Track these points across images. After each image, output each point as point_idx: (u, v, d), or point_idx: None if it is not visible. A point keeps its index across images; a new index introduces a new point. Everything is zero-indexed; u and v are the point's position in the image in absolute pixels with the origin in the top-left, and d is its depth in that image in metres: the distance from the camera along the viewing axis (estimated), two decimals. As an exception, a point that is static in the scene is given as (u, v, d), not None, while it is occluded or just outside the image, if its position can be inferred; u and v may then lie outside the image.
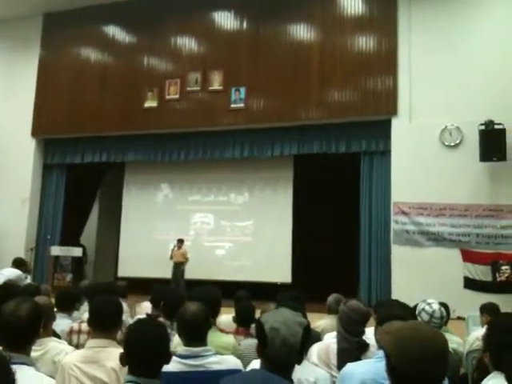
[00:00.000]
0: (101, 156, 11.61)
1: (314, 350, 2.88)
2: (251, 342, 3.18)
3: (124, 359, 1.94)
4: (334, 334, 2.95)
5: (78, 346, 3.04)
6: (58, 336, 3.11)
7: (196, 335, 2.46)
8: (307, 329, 1.81)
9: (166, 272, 10.57)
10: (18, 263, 6.99)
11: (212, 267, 11.00)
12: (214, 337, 2.75)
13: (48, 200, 12.03)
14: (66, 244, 11.56)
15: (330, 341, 2.93)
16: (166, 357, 1.98)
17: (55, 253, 11.22)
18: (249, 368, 2.32)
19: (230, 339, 3.14)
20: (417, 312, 2.95)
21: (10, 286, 4.07)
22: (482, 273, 8.38)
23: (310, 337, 1.95)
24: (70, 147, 11.87)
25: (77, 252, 11.42)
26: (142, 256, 11.59)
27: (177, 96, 10.76)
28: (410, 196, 8.86)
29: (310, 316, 3.21)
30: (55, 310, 3.42)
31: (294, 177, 11.08)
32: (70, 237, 12.03)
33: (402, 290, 8.06)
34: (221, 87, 10.40)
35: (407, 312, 2.37)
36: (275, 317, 1.82)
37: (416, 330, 1.43)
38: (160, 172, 12.02)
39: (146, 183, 12.19)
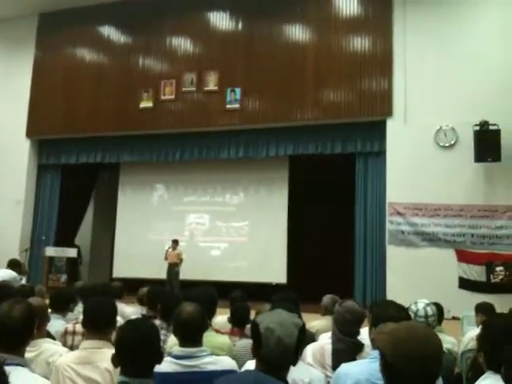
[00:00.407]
0: (96, 156, 11.59)
1: (309, 350, 2.88)
2: (246, 343, 3.18)
3: (116, 360, 1.94)
4: (329, 334, 2.95)
5: (72, 348, 3.03)
6: (52, 337, 3.09)
7: (191, 336, 2.46)
8: (303, 330, 1.81)
9: (161, 273, 10.55)
10: (12, 264, 6.94)
11: (207, 268, 10.99)
12: (209, 337, 2.74)
13: (43, 200, 12.00)
14: (60, 245, 11.53)
15: (325, 341, 2.93)
16: (158, 357, 1.99)
17: (50, 254, 11.20)
18: (243, 369, 2.32)
19: (225, 340, 3.14)
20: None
21: (3, 288, 4.05)
22: (476, 273, 8.42)
23: (306, 338, 1.95)
24: (65, 148, 11.85)
25: (71, 253, 11.39)
26: (137, 257, 11.57)
27: (172, 96, 10.76)
28: (405, 196, 8.89)
29: (305, 316, 3.21)
30: (49, 311, 3.41)
31: (289, 177, 11.09)
32: (65, 237, 12.00)
33: (396, 291, 8.07)
34: (216, 88, 10.40)
35: (402, 313, 2.37)
36: (271, 317, 1.82)
37: (411, 329, 1.44)
38: (155, 172, 12.00)
39: (142, 184, 12.17)
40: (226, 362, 2.49)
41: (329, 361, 2.80)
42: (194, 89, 10.62)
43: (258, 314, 3.44)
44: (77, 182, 12.17)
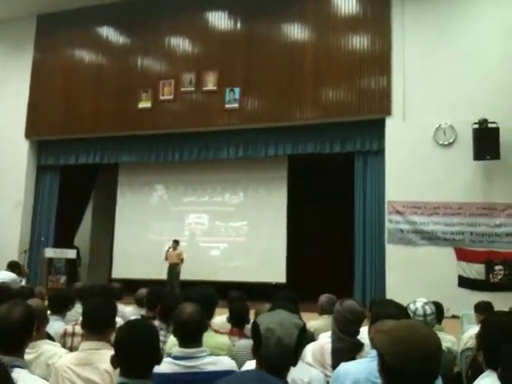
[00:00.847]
0: (95, 157, 11.59)
1: (309, 349, 2.87)
2: (245, 343, 3.18)
3: (115, 361, 1.94)
4: (329, 333, 2.94)
5: (71, 349, 3.03)
6: (51, 338, 3.09)
7: (191, 336, 2.46)
8: (303, 330, 1.81)
9: (160, 273, 10.54)
10: (12, 266, 6.94)
11: (207, 268, 10.99)
12: (208, 337, 2.74)
13: (42, 202, 11.99)
14: (59, 246, 11.52)
15: (325, 340, 2.93)
16: (157, 357, 1.98)
17: (49, 255, 11.18)
18: (243, 369, 2.31)
19: (224, 340, 3.14)
20: (406, 311, 2.97)
21: (2, 289, 4.05)
22: (476, 271, 8.42)
23: (306, 338, 1.95)
24: (63, 148, 11.84)
25: (71, 254, 11.38)
26: (137, 257, 11.56)
27: (171, 97, 10.76)
28: (404, 195, 8.89)
29: (304, 316, 3.21)
30: (48, 312, 3.40)
31: (288, 177, 11.09)
32: (64, 239, 11.99)
33: (396, 289, 8.08)
34: (215, 88, 10.40)
35: (401, 311, 2.37)
36: (271, 318, 1.81)
37: (410, 328, 1.43)
38: (154, 173, 12.00)
39: (141, 184, 12.17)
40: (225, 363, 2.49)
41: (328, 360, 2.80)
42: (192, 89, 10.62)
43: (258, 313, 3.45)
44: (76, 182, 12.15)
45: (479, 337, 2.12)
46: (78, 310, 4.07)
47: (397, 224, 8.94)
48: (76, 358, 2.45)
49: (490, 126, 8.33)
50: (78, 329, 3.15)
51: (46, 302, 3.93)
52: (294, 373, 2.05)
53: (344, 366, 2.21)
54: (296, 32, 10.11)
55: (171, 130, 10.85)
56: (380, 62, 9.40)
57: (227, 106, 10.26)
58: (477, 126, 8.40)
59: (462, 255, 8.53)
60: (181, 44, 11.02)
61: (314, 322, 4.12)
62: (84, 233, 13.01)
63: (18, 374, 1.94)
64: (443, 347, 3.10)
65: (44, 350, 2.70)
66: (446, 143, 8.85)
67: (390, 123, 9.25)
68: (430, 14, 9.18)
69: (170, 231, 11.55)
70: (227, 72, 10.36)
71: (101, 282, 9.47)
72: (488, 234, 8.45)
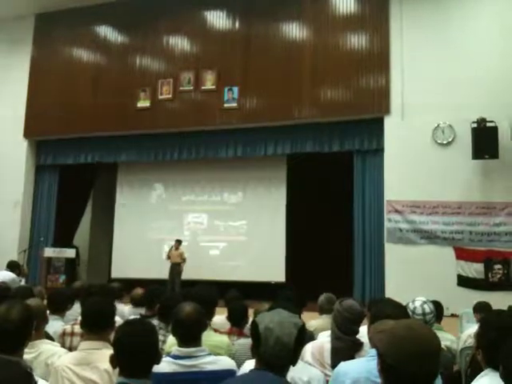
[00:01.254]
0: (94, 157, 11.58)
1: (308, 349, 2.87)
2: (245, 342, 3.18)
3: (114, 361, 1.94)
4: (328, 332, 2.94)
5: (70, 349, 3.02)
6: (50, 338, 3.08)
7: (190, 336, 2.45)
8: (302, 330, 1.81)
9: (160, 272, 10.55)
10: (12, 266, 6.94)
11: (206, 267, 11.00)
12: (207, 336, 2.75)
13: (41, 201, 11.98)
14: (58, 245, 11.50)
15: (324, 340, 2.93)
16: (156, 357, 1.98)
17: (48, 254, 11.16)
18: (242, 368, 2.31)
19: (223, 339, 3.14)
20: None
21: (1, 289, 4.04)
22: (475, 270, 8.43)
23: (306, 338, 1.94)
24: (62, 148, 11.83)
25: (70, 253, 11.37)
26: (136, 257, 11.57)
27: (170, 96, 10.75)
28: (403, 194, 8.90)
29: (304, 315, 3.21)
30: (47, 311, 3.40)
31: (287, 176, 11.10)
32: (63, 238, 11.98)
33: (395, 288, 8.10)
34: (214, 87, 10.40)
35: (400, 311, 2.37)
36: (271, 317, 1.82)
37: (409, 328, 1.43)
38: (153, 172, 12.00)
39: (140, 183, 12.17)
40: (225, 362, 2.48)
41: (328, 359, 2.79)
42: (191, 88, 10.61)
43: (257, 313, 3.45)
44: (75, 182, 12.14)
45: (478, 335, 2.12)
46: (77, 309, 4.07)
47: (396, 223, 8.95)
48: (75, 358, 2.45)
49: (489, 125, 8.34)
50: (78, 328, 3.15)
51: (45, 302, 3.92)
52: (293, 372, 2.05)
53: (343, 366, 2.21)
54: (294, 31, 10.11)
55: (170, 129, 10.84)
56: (378, 60, 9.40)
57: (226, 105, 10.26)
58: (475, 125, 8.41)
59: (462, 254, 8.54)
60: (179, 43, 11.01)
61: (314, 321, 4.13)
62: (83, 232, 13.00)
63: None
64: (442, 346, 3.11)
65: (43, 350, 2.70)
66: (444, 142, 8.85)
67: (388, 122, 9.26)
68: (429, 12, 9.18)
69: (169, 230, 11.56)
70: (226, 71, 10.36)
71: (100, 282, 9.48)
72: (487, 233, 8.46)
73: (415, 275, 8.29)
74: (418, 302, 3.00)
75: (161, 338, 2.97)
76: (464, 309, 5.72)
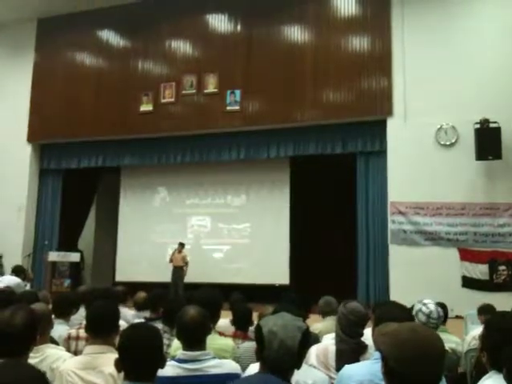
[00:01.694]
0: (97, 160, 11.62)
1: (313, 351, 2.87)
2: (249, 345, 3.18)
3: (119, 365, 1.94)
4: (333, 335, 2.94)
5: (76, 353, 3.02)
6: (55, 342, 3.09)
7: (194, 339, 2.44)
8: (306, 333, 1.81)
9: (164, 276, 10.55)
10: (17, 271, 6.96)
11: (210, 270, 11.01)
12: (212, 340, 2.74)
13: (45, 205, 12.02)
14: (63, 249, 11.53)
15: (329, 342, 2.92)
16: (161, 361, 1.98)
17: (53, 258, 11.18)
18: (247, 372, 2.31)
19: (228, 342, 3.14)
20: (413, 313, 2.95)
21: (5, 294, 4.04)
22: (479, 272, 8.40)
23: (310, 341, 1.94)
24: (66, 152, 11.87)
25: (74, 257, 11.39)
26: (140, 260, 11.59)
27: (172, 99, 10.78)
28: (407, 196, 8.88)
29: (309, 318, 3.21)
30: (52, 316, 3.40)
31: (290, 178, 11.09)
32: (68, 242, 12.01)
33: (399, 290, 8.09)
34: (216, 90, 10.42)
35: (404, 313, 2.37)
36: (275, 320, 1.82)
37: (413, 331, 1.43)
38: (157, 175, 12.02)
39: (143, 187, 12.19)
40: (229, 366, 2.47)
41: (332, 362, 2.79)
42: (193, 91, 10.64)
43: (261, 316, 3.45)
44: (78, 186, 12.19)
45: (482, 337, 2.12)
46: (82, 313, 4.07)
47: (400, 225, 8.93)
48: (80, 362, 2.45)
49: (492, 125, 8.33)
50: (83, 332, 3.15)
51: (50, 306, 3.93)
52: (297, 375, 2.05)
53: (347, 369, 2.21)
54: (296, 34, 10.12)
55: (173, 132, 10.86)
56: (380, 62, 9.40)
57: (228, 108, 10.28)
58: (478, 126, 8.39)
59: (466, 255, 8.51)
60: (181, 47, 11.04)
61: (319, 323, 4.13)
62: (87, 236, 13.04)
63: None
64: (447, 348, 3.10)
65: (48, 354, 2.70)
66: (447, 143, 8.84)
67: (391, 124, 9.25)
68: (430, 14, 9.18)
69: (173, 233, 11.56)
70: (228, 74, 10.38)
71: (104, 285, 9.50)
72: (491, 234, 8.44)
73: (419, 277, 8.26)
74: (432, 306, 2.96)
75: (165, 341, 2.98)
76: (469, 310, 5.70)
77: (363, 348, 2.75)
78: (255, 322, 3.57)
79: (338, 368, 2.47)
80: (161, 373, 2.03)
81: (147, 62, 11.20)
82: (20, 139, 11.87)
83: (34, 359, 2.52)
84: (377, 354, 2.03)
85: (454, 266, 8.49)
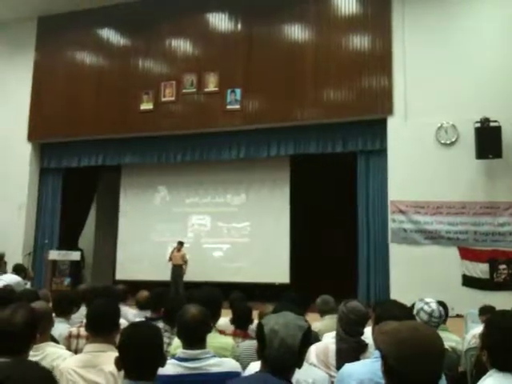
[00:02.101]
0: (97, 159, 11.62)
1: (313, 350, 2.87)
2: (249, 344, 3.18)
3: (119, 363, 1.95)
4: (333, 334, 2.94)
5: (76, 351, 3.02)
6: (56, 341, 3.09)
7: (195, 338, 2.45)
8: (307, 332, 1.81)
9: (165, 274, 10.57)
10: (17, 269, 6.96)
11: (210, 269, 11.01)
12: (212, 338, 2.75)
13: (45, 204, 12.02)
14: (63, 248, 11.54)
15: (329, 341, 2.93)
16: (161, 359, 1.98)
17: (53, 257, 11.19)
18: (247, 370, 2.32)
19: (228, 340, 3.14)
20: (415, 312, 2.95)
21: (6, 292, 4.05)
22: (480, 270, 8.41)
23: (311, 340, 1.95)
24: (66, 151, 11.87)
25: (75, 256, 11.40)
26: (140, 259, 11.59)
27: (172, 98, 10.78)
28: (407, 194, 8.89)
29: (308, 317, 3.21)
30: (53, 314, 3.40)
31: (290, 177, 11.09)
32: (68, 241, 12.02)
33: (400, 289, 8.09)
34: (216, 89, 10.41)
35: (404, 312, 2.37)
36: (277, 319, 1.82)
37: (413, 330, 1.43)
38: (157, 174, 12.02)
39: (143, 186, 12.19)
40: (229, 364, 2.48)
41: (333, 361, 2.79)
42: (194, 90, 10.64)
43: (261, 315, 3.45)
44: (79, 184, 12.20)
45: (483, 336, 2.12)
46: (82, 312, 4.07)
47: (400, 223, 8.93)
48: (81, 361, 2.45)
49: (492, 124, 8.33)
50: (83, 331, 3.15)
51: (51, 304, 3.93)
52: (298, 374, 2.05)
53: (348, 368, 2.21)
54: (297, 32, 10.11)
55: (173, 131, 10.86)
56: (381, 61, 9.40)
57: (228, 106, 10.28)
58: (479, 125, 8.40)
59: (466, 254, 8.52)
60: (182, 45, 11.04)
61: (318, 322, 4.13)
62: (88, 235, 13.04)
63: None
64: (447, 347, 3.10)
65: (48, 353, 2.70)
66: (448, 142, 8.84)
67: (391, 123, 9.25)
68: (431, 13, 9.17)
69: (173, 232, 11.57)
70: (228, 73, 10.38)
71: (104, 284, 9.49)
72: (492, 233, 8.44)
73: (420, 275, 8.27)
74: (434, 305, 2.96)
75: (166, 340, 2.98)
76: (469, 309, 5.70)
77: (363, 347, 2.75)
78: (255, 321, 3.58)
79: (339, 367, 2.48)
80: (161, 371, 2.04)
81: (148, 61, 11.20)
82: (20, 138, 11.87)
83: (34, 357, 2.51)
84: (377, 353, 2.03)
85: (455, 265, 8.50)
